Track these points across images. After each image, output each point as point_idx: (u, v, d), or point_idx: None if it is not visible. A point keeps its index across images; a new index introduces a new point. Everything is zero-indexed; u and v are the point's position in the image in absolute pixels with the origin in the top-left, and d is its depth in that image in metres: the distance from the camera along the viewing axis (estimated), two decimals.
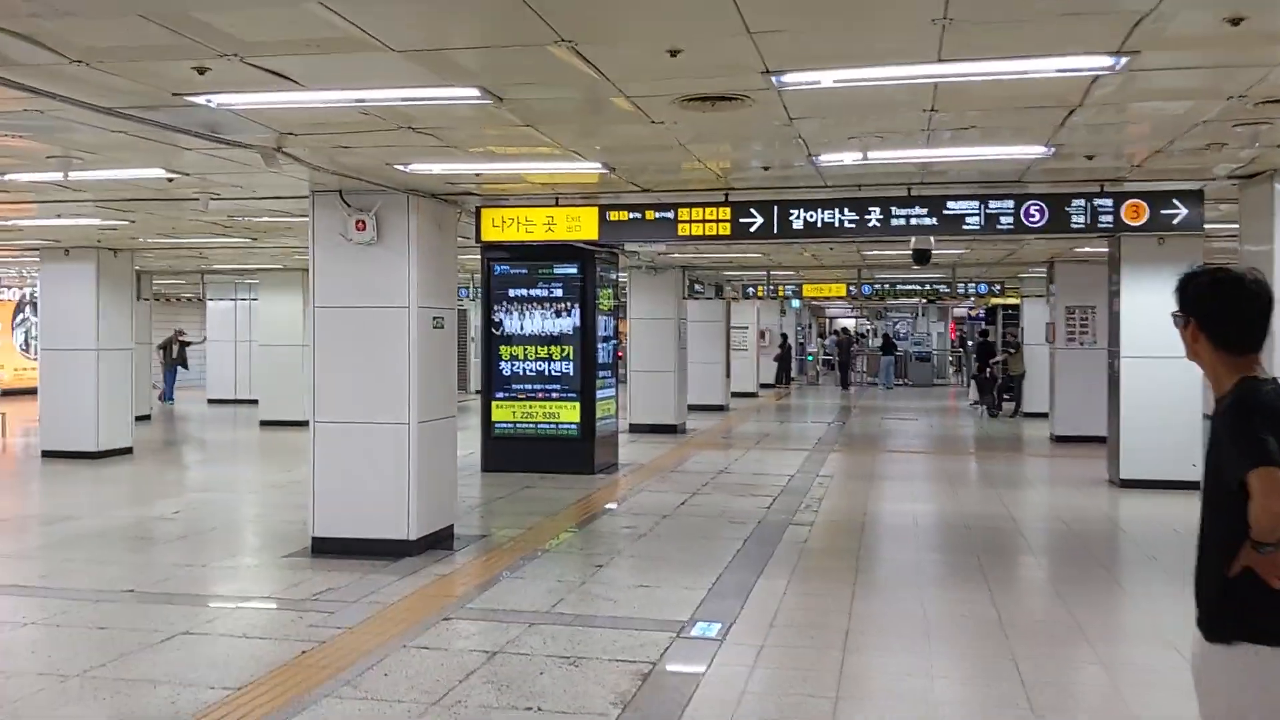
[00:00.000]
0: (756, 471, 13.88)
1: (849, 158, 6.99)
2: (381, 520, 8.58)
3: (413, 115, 5.77)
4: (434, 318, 8.93)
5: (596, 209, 8.67)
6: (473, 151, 6.87)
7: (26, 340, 27.94)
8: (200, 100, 5.27)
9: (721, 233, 8.56)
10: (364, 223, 8.52)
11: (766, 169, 7.67)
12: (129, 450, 15.57)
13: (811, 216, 8.44)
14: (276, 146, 6.61)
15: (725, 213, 8.52)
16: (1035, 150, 6.88)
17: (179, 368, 26.05)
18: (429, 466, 8.80)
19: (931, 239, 11.20)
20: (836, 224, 8.43)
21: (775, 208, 8.39)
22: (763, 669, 5.89)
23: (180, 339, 26.09)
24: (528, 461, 13.25)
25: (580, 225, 8.74)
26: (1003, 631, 6.60)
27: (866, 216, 8.39)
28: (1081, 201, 8.12)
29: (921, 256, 11.97)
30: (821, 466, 14.30)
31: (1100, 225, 8.12)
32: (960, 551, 9.10)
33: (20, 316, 28.62)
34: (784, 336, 33.89)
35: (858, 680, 5.73)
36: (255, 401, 24.21)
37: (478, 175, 7.77)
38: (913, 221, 8.41)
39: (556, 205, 8.76)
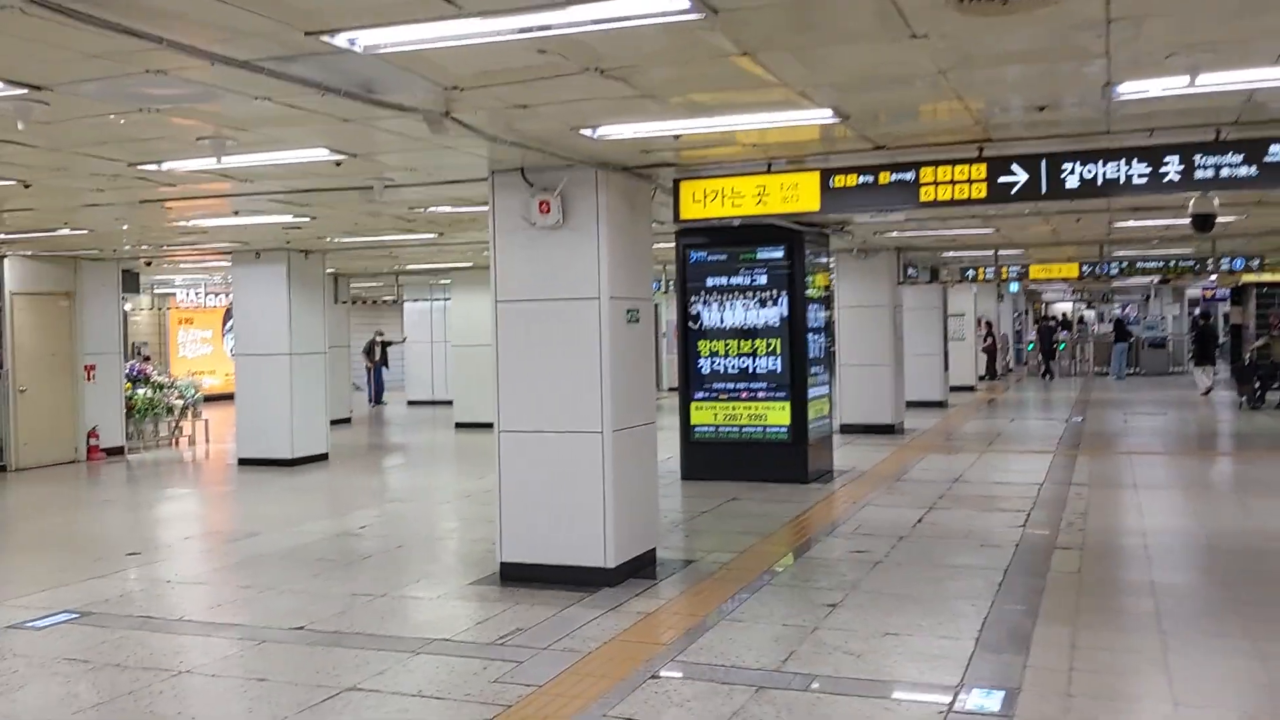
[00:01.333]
0: (998, 480, 12.13)
1: (1162, 85, 5.35)
2: (575, 545, 7.46)
3: (600, 51, 4.55)
4: (628, 310, 7.74)
5: (818, 173, 7.26)
6: (673, 103, 5.60)
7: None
8: (341, 42, 4.20)
9: (975, 196, 6.99)
10: (548, 203, 7.42)
11: (1041, 109, 6.08)
12: (324, 457, 15.19)
13: (1089, 171, 6.76)
14: (444, 111, 5.54)
15: (979, 170, 6.94)
16: None
17: (383, 368, 26.13)
18: (627, 482, 7.62)
19: (1216, 200, 9.28)
20: (1122, 179, 6.72)
21: (1044, 162, 6.75)
22: None
23: (381, 339, 26.15)
24: (732, 469, 11.96)
25: (798, 194, 7.35)
26: None
27: (1162, 169, 6.64)
28: None
29: (1203, 222, 9.95)
30: (1072, 473, 12.39)
31: None
32: None
33: (230, 323, 29.46)
34: (988, 325, 31.28)
35: None
36: (452, 403, 23.95)
37: (677, 138, 6.51)
38: (1224, 173, 6.59)
39: (769, 172, 7.42)
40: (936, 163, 7.01)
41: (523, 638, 6.25)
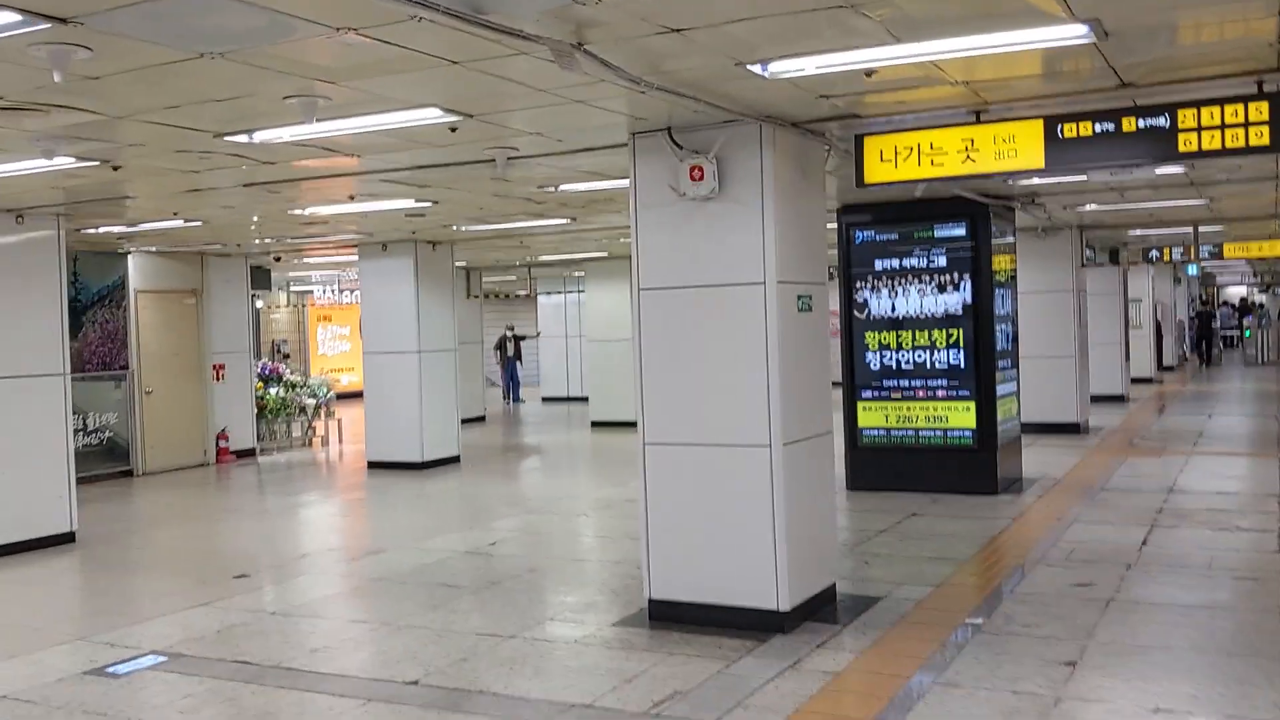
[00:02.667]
0: (1221, 489, 10.32)
1: None
2: (739, 582, 6.17)
3: None
4: (799, 296, 6.40)
5: (1040, 122, 5.78)
6: (872, 16, 4.23)
7: None
8: None
9: (1256, 143, 5.39)
10: (701, 169, 6.13)
11: None
12: (455, 460, 14.29)
13: None
14: (575, 42, 4.31)
15: (1260, 110, 5.35)
16: None
17: (516, 364, 25.33)
18: (801, 506, 6.29)
19: None
20: None
21: None
22: None
23: (512, 334, 25.36)
24: (906, 478, 10.47)
25: (1016, 149, 5.87)
26: None
27: None
28: None
29: None
30: None
31: None
32: None
33: None
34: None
35: None
36: (587, 399, 22.97)
37: (869, 74, 5.14)
38: None
39: (977, 122, 5.96)
40: (1199, 103, 5.47)
41: (683, 706, 5.00)
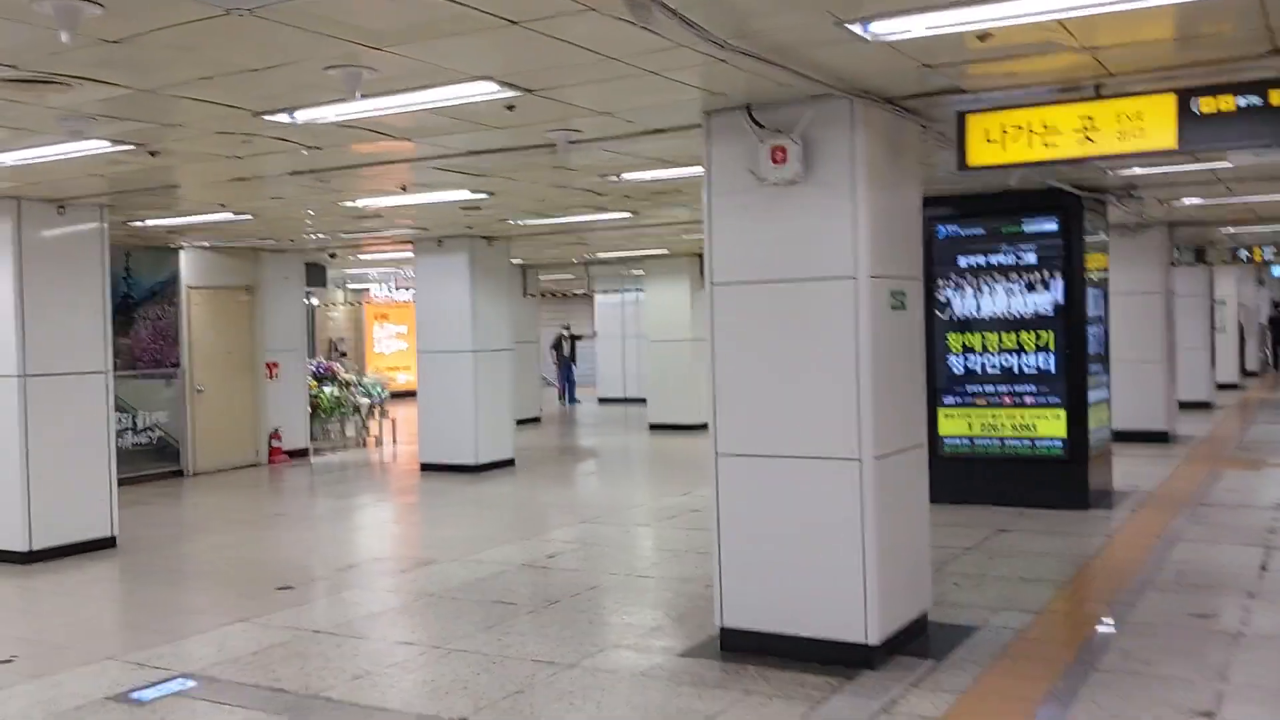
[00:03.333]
0: None
1: None
2: (822, 611, 5.55)
3: None
4: (892, 293, 5.77)
5: (1172, 96, 5.09)
6: None
7: None
8: None
9: None
10: (784, 150, 5.52)
11: None
12: (510, 463, 13.80)
13: None
14: None
15: None
16: None
17: (571, 364, 24.86)
18: (893, 527, 5.65)
19: None
20: None
21: None
22: None
23: (568, 334, 24.89)
24: (991, 490, 9.76)
25: (1143, 127, 5.19)
26: None
27: None
28: None
29: None
30: None
31: None
32: None
33: None
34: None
35: None
36: (644, 401, 22.47)
37: (981, 39, 4.51)
38: None
39: (1097, 98, 5.29)
40: None
41: None
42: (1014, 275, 9.80)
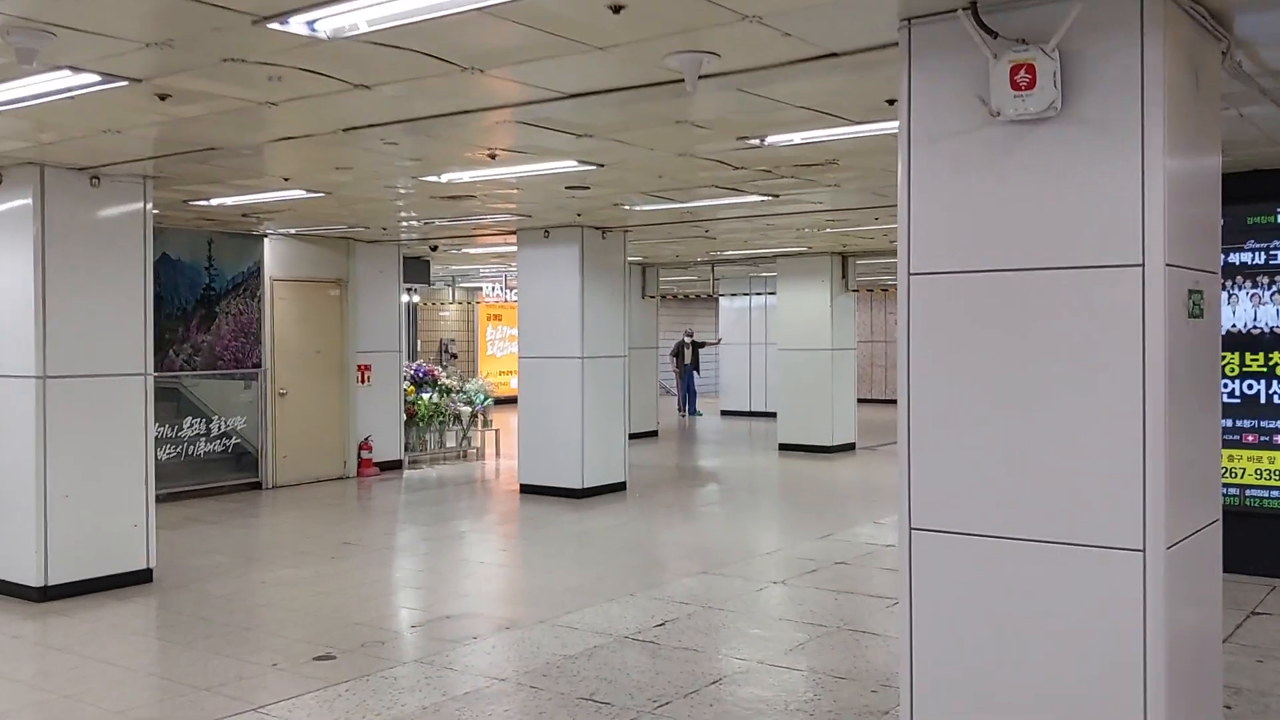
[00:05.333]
0: None
1: None
2: None
3: None
4: (1190, 293, 3.77)
5: None
6: None
7: None
8: None
9: None
10: (1030, 68, 3.59)
11: None
12: (620, 487, 12.06)
13: None
14: None
15: None
16: None
17: (693, 373, 23.03)
18: (1186, 647, 3.67)
19: None
20: None
21: None
22: None
23: (690, 340, 23.07)
24: (1232, 555, 7.52)
25: None
26: None
27: None
28: None
29: None
30: None
31: None
32: None
33: None
34: None
35: None
36: (773, 415, 20.56)
37: None
38: None
39: None
40: None
41: None
42: (1262, 279, 7.59)
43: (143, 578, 7.76)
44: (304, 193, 8.87)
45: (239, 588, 7.74)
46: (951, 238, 3.88)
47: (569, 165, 7.42)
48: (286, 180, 8.25)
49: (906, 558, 3.98)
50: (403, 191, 8.95)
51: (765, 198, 9.20)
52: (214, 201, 9.45)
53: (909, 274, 3.99)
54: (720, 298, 23.19)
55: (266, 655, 6.12)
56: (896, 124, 5.59)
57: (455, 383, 15.89)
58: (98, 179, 7.53)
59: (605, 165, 7.45)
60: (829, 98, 5.43)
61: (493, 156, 7.08)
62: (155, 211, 10.30)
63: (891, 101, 5.47)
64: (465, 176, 7.99)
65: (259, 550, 9.19)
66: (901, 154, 3.99)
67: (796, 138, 6.39)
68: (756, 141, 6.51)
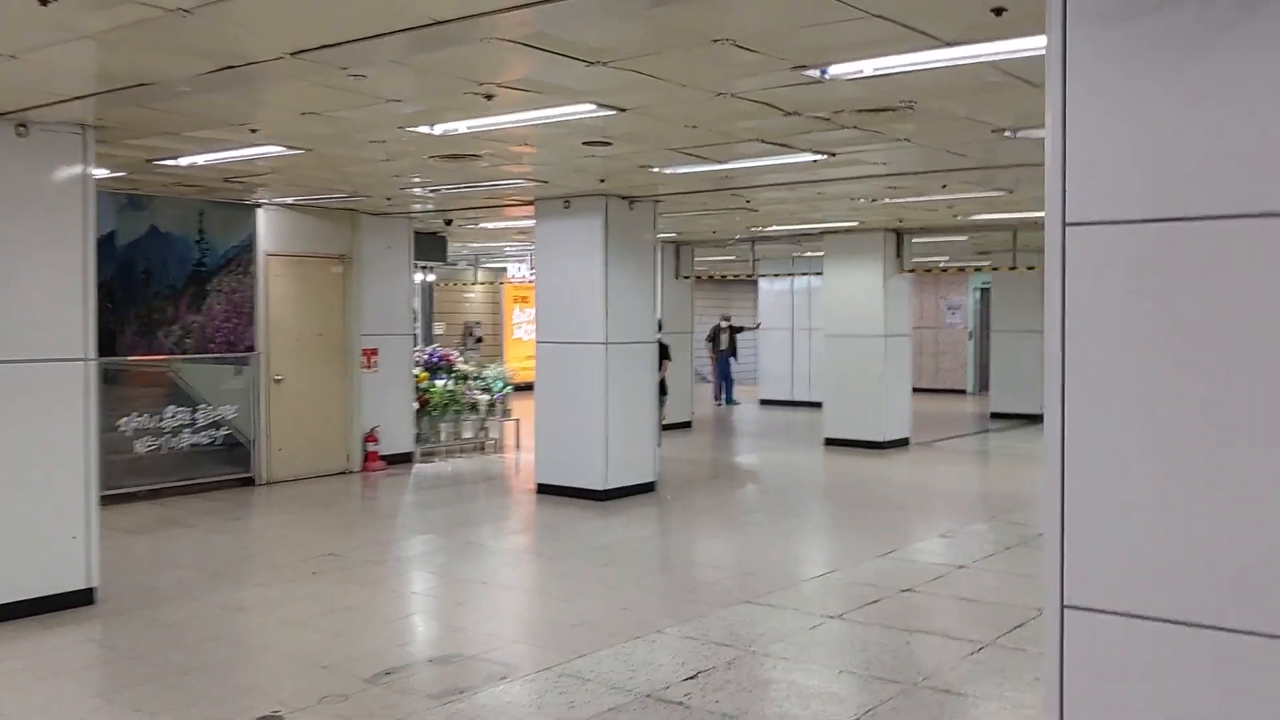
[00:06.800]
0: None
1: None
2: None
3: None
4: None
5: None
6: None
7: None
8: None
9: None
10: None
11: None
12: (649, 488, 10.79)
13: None
14: None
15: None
16: None
17: (730, 360, 21.67)
18: None
19: None
20: None
21: None
22: None
23: (728, 325, 21.70)
24: None
25: None
26: None
27: None
28: None
29: None
30: None
31: None
32: None
33: None
34: None
35: None
36: (815, 405, 19.22)
37: None
38: None
39: None
40: None
41: None
42: None
43: (82, 599, 6.58)
44: (281, 149, 7.64)
45: (193, 614, 6.53)
46: (1131, 170, 2.54)
47: (584, 110, 6.11)
48: (254, 133, 7.00)
49: (1057, 643, 2.65)
50: (394, 148, 7.69)
51: (819, 157, 7.83)
52: (183, 161, 8.24)
53: (1063, 226, 2.65)
54: (760, 279, 21.80)
55: (199, 712, 4.90)
56: (997, 48, 4.29)
57: (472, 369, 14.67)
58: (24, 126, 6.32)
59: (627, 110, 6.13)
60: (917, 1, 4.09)
61: (489, 97, 5.78)
62: (124, 175, 9.19)
63: (998, 10, 4.13)
64: (462, 128, 6.70)
65: (229, 562, 7.99)
66: (1051, 55, 2.65)
67: (867, 68, 5.04)
68: (815, 73, 5.16)
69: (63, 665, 5.66)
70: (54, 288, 6.49)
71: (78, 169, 6.58)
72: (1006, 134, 6.94)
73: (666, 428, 14.39)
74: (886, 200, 10.87)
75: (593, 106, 6.03)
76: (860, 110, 6.18)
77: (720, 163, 8.15)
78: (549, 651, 5.79)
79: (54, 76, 5.34)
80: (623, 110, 6.11)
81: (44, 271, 6.45)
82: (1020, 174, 9.00)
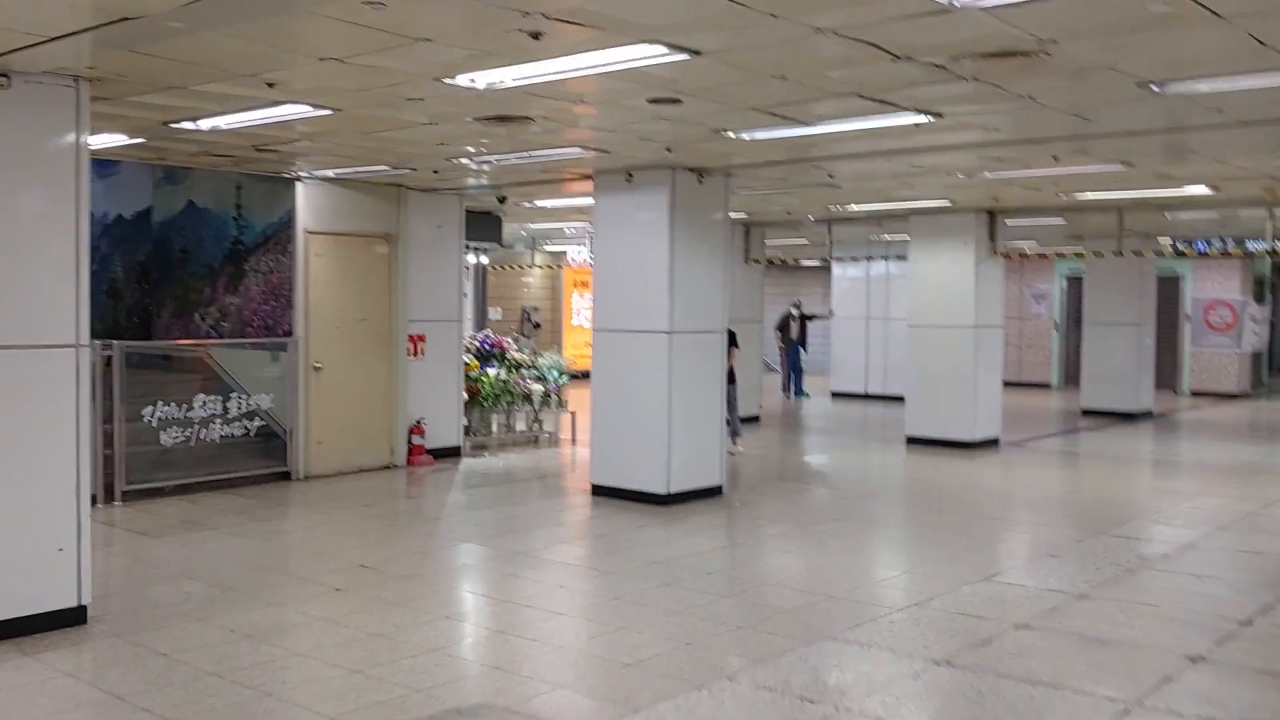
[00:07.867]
0: None
1: None
2: None
3: None
4: None
5: None
6: None
7: None
8: None
9: None
10: None
11: None
12: (715, 492, 9.80)
13: None
14: None
15: None
16: None
17: (800, 349, 20.52)
18: None
19: None
20: None
21: None
22: None
23: (799, 312, 20.56)
24: None
25: None
26: None
27: None
28: None
29: None
30: None
31: None
32: None
33: None
34: None
35: None
36: (892, 399, 18.13)
37: None
38: None
39: None
40: None
41: None
42: None
43: (73, 619, 5.77)
44: (307, 108, 6.75)
45: (193, 640, 5.67)
46: None
47: (652, 55, 5.10)
48: (271, 87, 6.10)
49: None
50: (435, 109, 6.75)
51: (924, 119, 6.73)
52: (204, 125, 7.39)
53: None
54: (833, 264, 20.61)
55: None
56: None
57: (526, 356, 13.76)
58: (6, 77, 5.48)
59: (703, 55, 5.12)
60: None
61: (536, 36, 4.80)
62: (144, 142, 8.38)
63: None
64: (509, 80, 5.73)
65: (246, 574, 7.13)
66: None
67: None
68: (949, 4, 4.09)
69: (20, 709, 4.81)
70: (40, 265, 5.66)
71: (69, 129, 5.73)
72: (1153, 87, 5.80)
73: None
74: (987, 174, 9.70)
75: (662, 49, 5.02)
76: (986, 55, 5.09)
77: (807, 124, 7.08)
78: (598, 702, 4.83)
79: (63, 19, 4.47)
80: (697, 54, 5.09)
81: (28, 248, 5.62)
82: (1150, 143, 7.81)
